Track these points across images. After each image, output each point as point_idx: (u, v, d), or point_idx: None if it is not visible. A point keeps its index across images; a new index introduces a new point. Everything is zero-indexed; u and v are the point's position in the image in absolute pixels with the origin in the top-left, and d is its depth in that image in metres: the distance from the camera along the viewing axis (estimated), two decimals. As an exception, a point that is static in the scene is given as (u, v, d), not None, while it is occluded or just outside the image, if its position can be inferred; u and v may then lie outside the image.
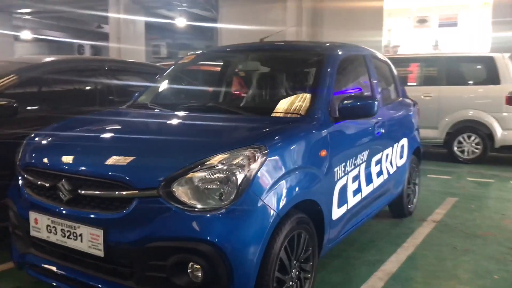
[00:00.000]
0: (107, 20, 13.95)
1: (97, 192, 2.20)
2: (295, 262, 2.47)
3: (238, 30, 10.97)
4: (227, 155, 2.16)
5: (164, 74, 3.76)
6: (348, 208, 3.07)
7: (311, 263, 2.63)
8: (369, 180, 3.40)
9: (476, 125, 7.70)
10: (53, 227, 2.30)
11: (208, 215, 2.05)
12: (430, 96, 7.93)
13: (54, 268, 2.38)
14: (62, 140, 2.62)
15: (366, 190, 3.35)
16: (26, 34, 19.75)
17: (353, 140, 3.14)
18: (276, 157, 2.31)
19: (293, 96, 2.94)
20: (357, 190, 3.21)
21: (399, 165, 4.10)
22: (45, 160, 2.49)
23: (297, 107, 2.83)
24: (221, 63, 4.09)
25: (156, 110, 3.17)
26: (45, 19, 17.29)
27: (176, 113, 3.02)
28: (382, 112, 3.75)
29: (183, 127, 2.87)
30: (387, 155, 3.80)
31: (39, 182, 2.43)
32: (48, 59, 4.12)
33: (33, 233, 2.41)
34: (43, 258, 2.46)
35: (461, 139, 7.86)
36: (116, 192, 2.14)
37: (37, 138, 2.72)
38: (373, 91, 3.69)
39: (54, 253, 2.40)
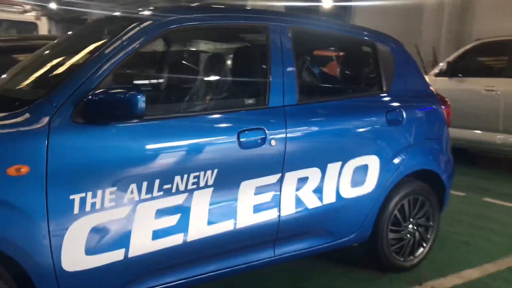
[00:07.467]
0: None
1: None
2: None
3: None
4: None
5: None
6: (132, 255, 2.02)
7: None
8: (216, 216, 2.23)
9: None
10: None
11: None
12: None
13: None
14: None
15: (205, 230, 2.20)
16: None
17: (153, 153, 2.05)
18: None
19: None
20: (171, 230, 2.11)
21: (348, 195, 2.68)
22: None
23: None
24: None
25: None
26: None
27: None
28: (288, 114, 2.46)
29: None
30: (301, 179, 2.49)
31: None
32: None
33: None
34: None
35: None
36: None
37: None
38: (269, 82, 2.45)
39: None
